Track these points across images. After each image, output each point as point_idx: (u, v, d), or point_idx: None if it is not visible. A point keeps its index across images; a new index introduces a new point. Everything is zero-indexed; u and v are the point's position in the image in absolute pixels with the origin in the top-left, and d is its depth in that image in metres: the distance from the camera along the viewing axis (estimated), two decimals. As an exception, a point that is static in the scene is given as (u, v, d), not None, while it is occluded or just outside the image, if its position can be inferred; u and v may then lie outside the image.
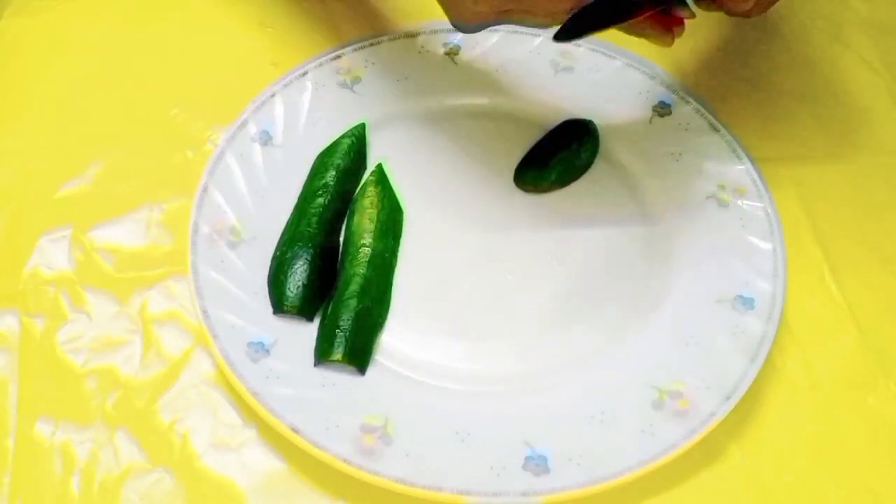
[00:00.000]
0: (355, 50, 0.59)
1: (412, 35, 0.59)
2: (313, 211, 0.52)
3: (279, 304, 0.49)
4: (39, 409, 0.47)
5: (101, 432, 0.46)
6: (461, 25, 0.51)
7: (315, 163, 0.54)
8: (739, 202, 0.53)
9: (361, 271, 0.50)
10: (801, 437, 0.47)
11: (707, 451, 0.46)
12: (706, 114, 0.56)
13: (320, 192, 0.53)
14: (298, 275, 0.49)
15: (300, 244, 0.51)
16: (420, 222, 0.54)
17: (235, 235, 0.51)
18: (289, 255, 0.50)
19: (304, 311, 0.49)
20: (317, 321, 0.49)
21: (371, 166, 0.55)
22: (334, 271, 0.51)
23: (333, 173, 0.54)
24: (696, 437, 0.45)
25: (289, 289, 0.49)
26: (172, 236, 0.53)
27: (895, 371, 0.49)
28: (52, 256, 0.52)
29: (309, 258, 0.50)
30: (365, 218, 0.53)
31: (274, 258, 0.51)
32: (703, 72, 0.61)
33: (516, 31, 0.59)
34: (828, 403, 0.48)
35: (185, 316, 0.50)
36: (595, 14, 0.47)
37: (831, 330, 0.51)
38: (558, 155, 0.55)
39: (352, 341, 0.47)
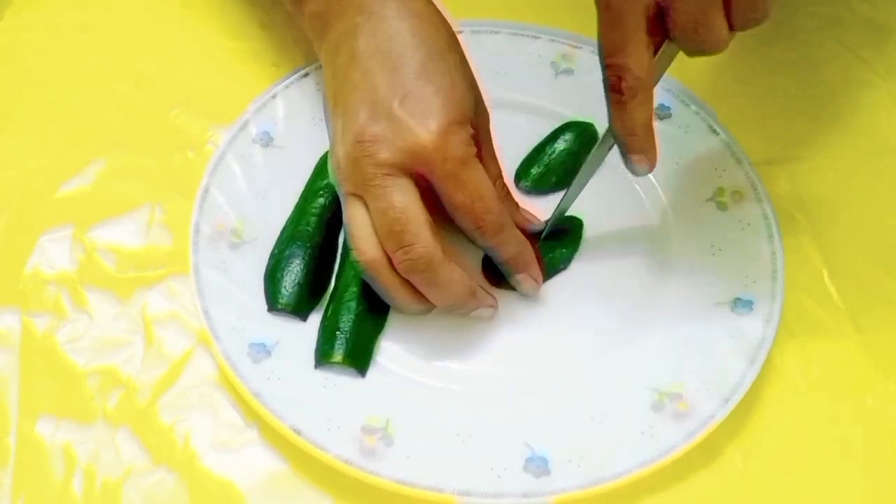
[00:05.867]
0: (356, 50, 0.59)
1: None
2: (313, 211, 0.52)
3: (274, 303, 0.49)
4: (40, 409, 0.47)
5: (102, 432, 0.46)
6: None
7: (318, 163, 0.54)
8: (739, 205, 0.53)
9: (362, 272, 0.50)
10: (800, 438, 0.47)
11: (706, 453, 0.46)
12: (705, 116, 0.57)
13: (321, 192, 0.53)
14: (294, 274, 0.49)
15: (298, 243, 0.51)
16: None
17: (236, 236, 0.51)
18: (286, 252, 0.50)
19: (299, 309, 0.49)
20: (317, 322, 0.49)
21: (372, 167, 0.55)
22: (330, 271, 0.51)
23: (335, 173, 0.54)
24: (696, 439, 0.45)
25: (284, 287, 0.49)
26: (173, 237, 0.52)
27: (894, 371, 0.49)
28: (52, 256, 0.51)
29: (306, 257, 0.50)
30: (366, 219, 0.53)
31: (271, 256, 0.51)
32: (703, 74, 0.61)
33: (516, 33, 0.59)
34: (827, 404, 0.49)
35: (185, 316, 0.50)
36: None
37: (830, 331, 0.51)
38: (559, 157, 0.55)
39: (352, 343, 0.48)
